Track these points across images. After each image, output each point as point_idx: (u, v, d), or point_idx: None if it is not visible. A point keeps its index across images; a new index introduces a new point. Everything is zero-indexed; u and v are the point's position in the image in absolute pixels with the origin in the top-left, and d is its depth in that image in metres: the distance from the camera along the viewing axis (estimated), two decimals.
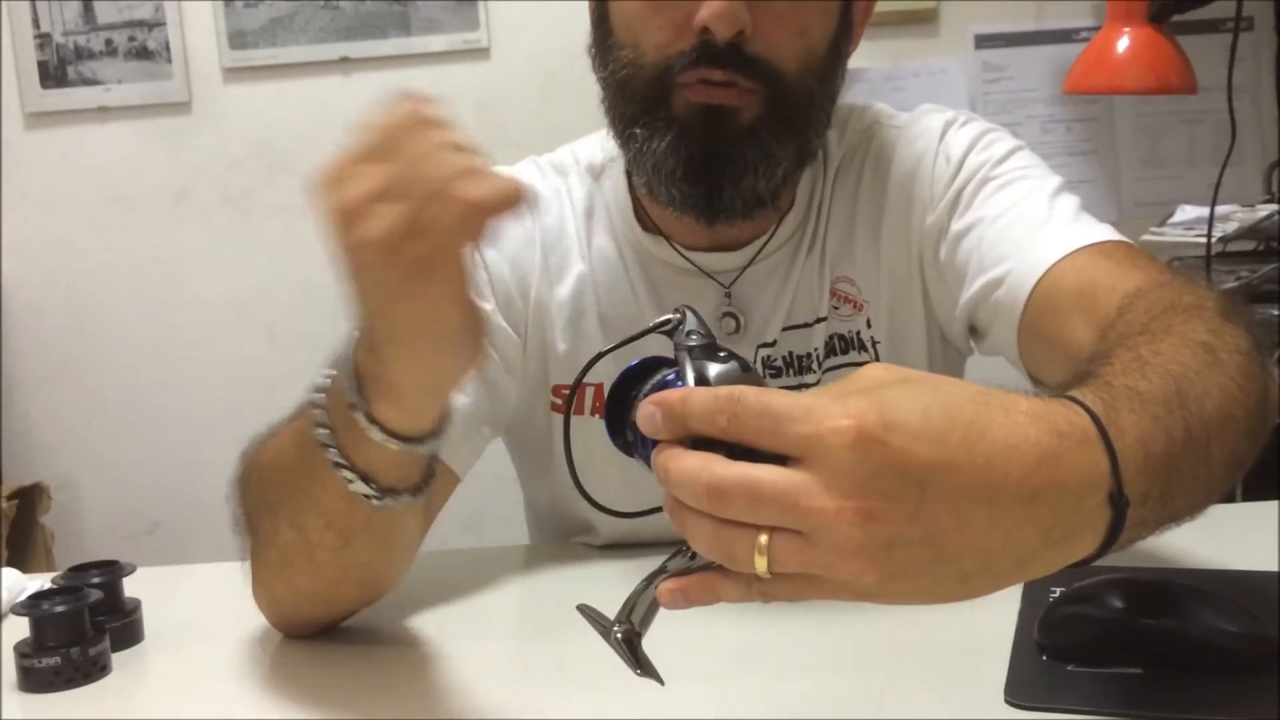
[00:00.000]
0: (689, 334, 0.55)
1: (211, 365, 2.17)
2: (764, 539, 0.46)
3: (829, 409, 0.46)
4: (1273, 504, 0.93)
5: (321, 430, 0.66)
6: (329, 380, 0.67)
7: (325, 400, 0.67)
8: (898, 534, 0.45)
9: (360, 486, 0.66)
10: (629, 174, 0.94)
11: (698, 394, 0.49)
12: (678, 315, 0.56)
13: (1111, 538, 0.50)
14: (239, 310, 2.16)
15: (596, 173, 0.97)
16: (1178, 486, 0.54)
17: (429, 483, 0.71)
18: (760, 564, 0.46)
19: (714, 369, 0.52)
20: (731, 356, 0.53)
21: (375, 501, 0.67)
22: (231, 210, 2.14)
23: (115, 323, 2.17)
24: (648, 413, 0.49)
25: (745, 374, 0.52)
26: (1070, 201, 0.87)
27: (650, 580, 0.53)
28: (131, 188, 2.14)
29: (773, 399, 0.47)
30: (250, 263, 2.15)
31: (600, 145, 0.98)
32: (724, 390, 0.48)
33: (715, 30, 0.81)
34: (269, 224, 2.14)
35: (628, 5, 0.86)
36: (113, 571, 0.79)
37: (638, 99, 0.86)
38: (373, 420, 0.64)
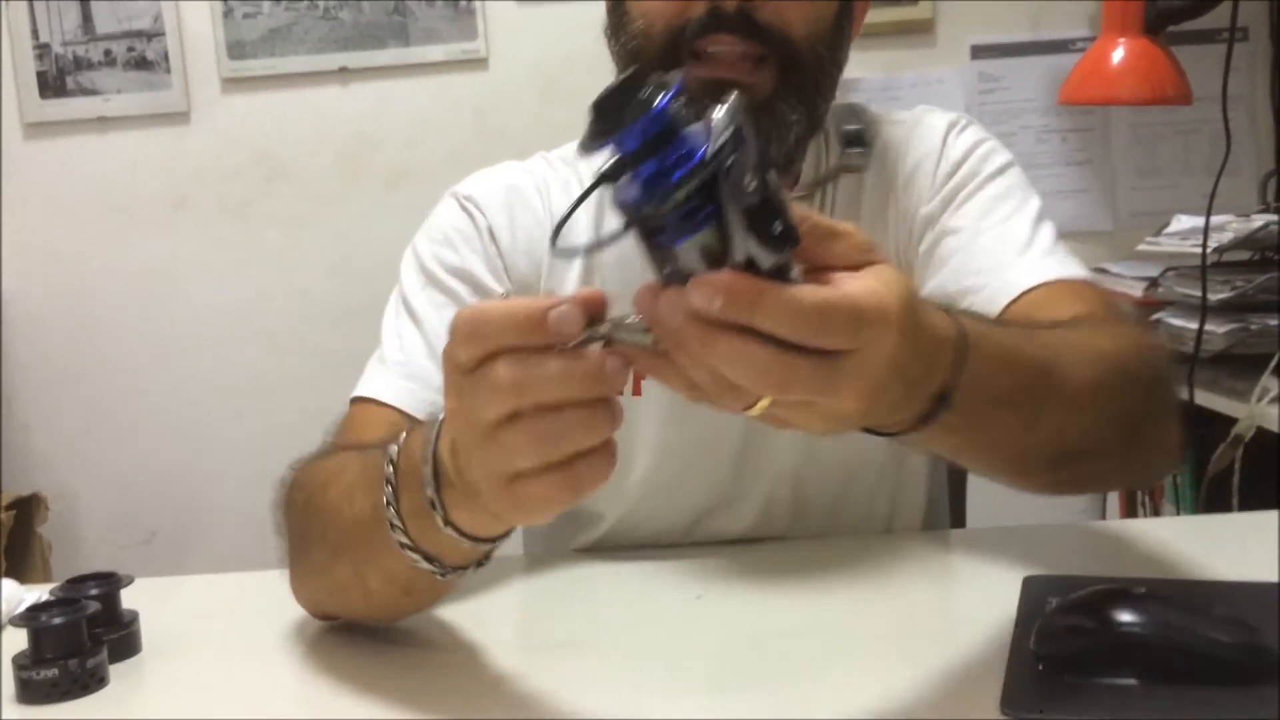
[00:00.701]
0: (738, 169, 0.47)
1: (210, 374, 2.17)
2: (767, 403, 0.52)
3: (883, 321, 0.51)
4: (1265, 514, 0.93)
5: (390, 510, 0.65)
6: (397, 454, 0.65)
7: (395, 478, 0.65)
8: (869, 409, 0.54)
9: (426, 565, 0.66)
10: None
11: (780, 304, 0.48)
12: (728, 121, 0.47)
13: (917, 426, 0.60)
14: (237, 319, 2.16)
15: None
16: (1000, 428, 0.65)
17: (493, 554, 0.69)
18: (758, 410, 0.52)
19: (769, 261, 0.48)
20: (786, 236, 0.48)
21: (440, 577, 0.67)
22: (230, 219, 2.15)
23: (113, 332, 2.17)
24: (709, 293, 0.47)
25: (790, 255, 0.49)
26: (1049, 230, 0.93)
27: (593, 338, 0.52)
28: (130, 197, 2.14)
29: (848, 314, 0.50)
30: (249, 272, 2.15)
31: None
32: (810, 307, 0.48)
33: None
34: (268, 233, 2.15)
35: None
36: (110, 583, 0.79)
37: (648, 68, 0.87)
38: (449, 522, 0.62)
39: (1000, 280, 0.88)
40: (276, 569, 0.95)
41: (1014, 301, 0.87)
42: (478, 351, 0.53)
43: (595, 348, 0.52)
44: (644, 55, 0.89)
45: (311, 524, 0.77)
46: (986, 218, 0.92)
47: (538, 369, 0.52)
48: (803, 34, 0.87)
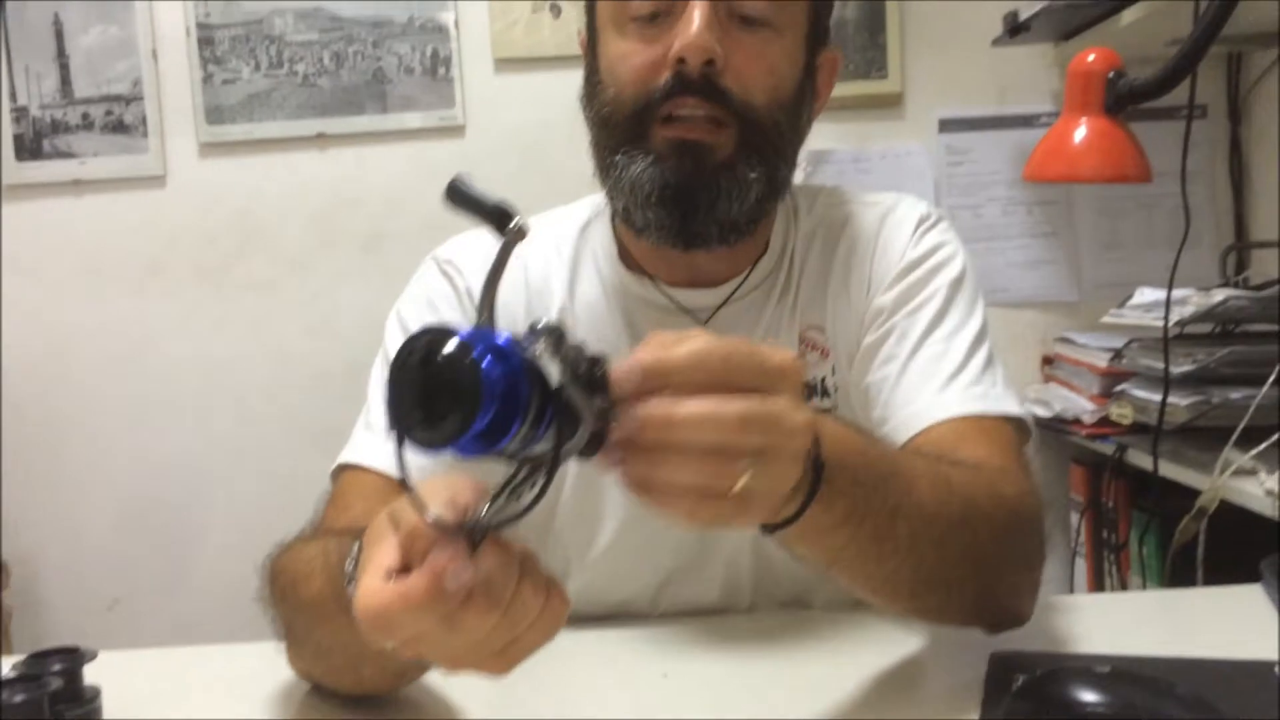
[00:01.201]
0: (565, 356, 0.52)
1: (179, 440, 2.16)
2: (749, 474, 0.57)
3: (787, 371, 0.60)
4: (1229, 589, 0.94)
5: None
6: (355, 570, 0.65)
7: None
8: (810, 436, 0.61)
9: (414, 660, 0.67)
10: (613, 219, 1.01)
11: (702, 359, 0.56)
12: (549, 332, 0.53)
13: (804, 505, 0.64)
14: (209, 384, 2.14)
15: (585, 226, 1.04)
16: (868, 527, 0.68)
17: None
18: (740, 485, 0.57)
19: (607, 401, 0.55)
20: (605, 376, 0.55)
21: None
22: (204, 283, 2.15)
23: (81, 396, 2.15)
24: (630, 368, 0.55)
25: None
26: (982, 356, 0.95)
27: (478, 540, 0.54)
28: (104, 260, 2.14)
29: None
30: (220, 336, 2.15)
31: (590, 205, 1.05)
32: (720, 354, 0.57)
33: (688, 59, 0.88)
34: (241, 297, 2.14)
35: (614, 51, 0.93)
36: (74, 659, 0.78)
37: (619, 131, 0.93)
38: None
39: (916, 408, 0.92)
40: (241, 641, 0.95)
41: (925, 431, 0.90)
42: (396, 640, 0.56)
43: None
44: (615, 119, 0.93)
45: (297, 618, 0.78)
46: (926, 336, 0.95)
47: (450, 643, 0.55)
48: (763, 101, 0.91)
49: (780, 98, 0.93)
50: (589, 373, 0.54)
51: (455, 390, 0.49)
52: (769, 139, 0.93)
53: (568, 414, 0.53)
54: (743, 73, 0.90)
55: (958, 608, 0.79)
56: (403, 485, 0.53)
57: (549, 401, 0.51)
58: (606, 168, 0.95)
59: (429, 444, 0.50)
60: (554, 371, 0.51)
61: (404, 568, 0.55)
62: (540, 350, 0.51)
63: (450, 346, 0.50)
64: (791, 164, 0.98)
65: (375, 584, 0.55)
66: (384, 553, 0.56)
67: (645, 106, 0.91)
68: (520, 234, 0.57)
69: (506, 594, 0.54)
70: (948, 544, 0.74)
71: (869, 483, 0.68)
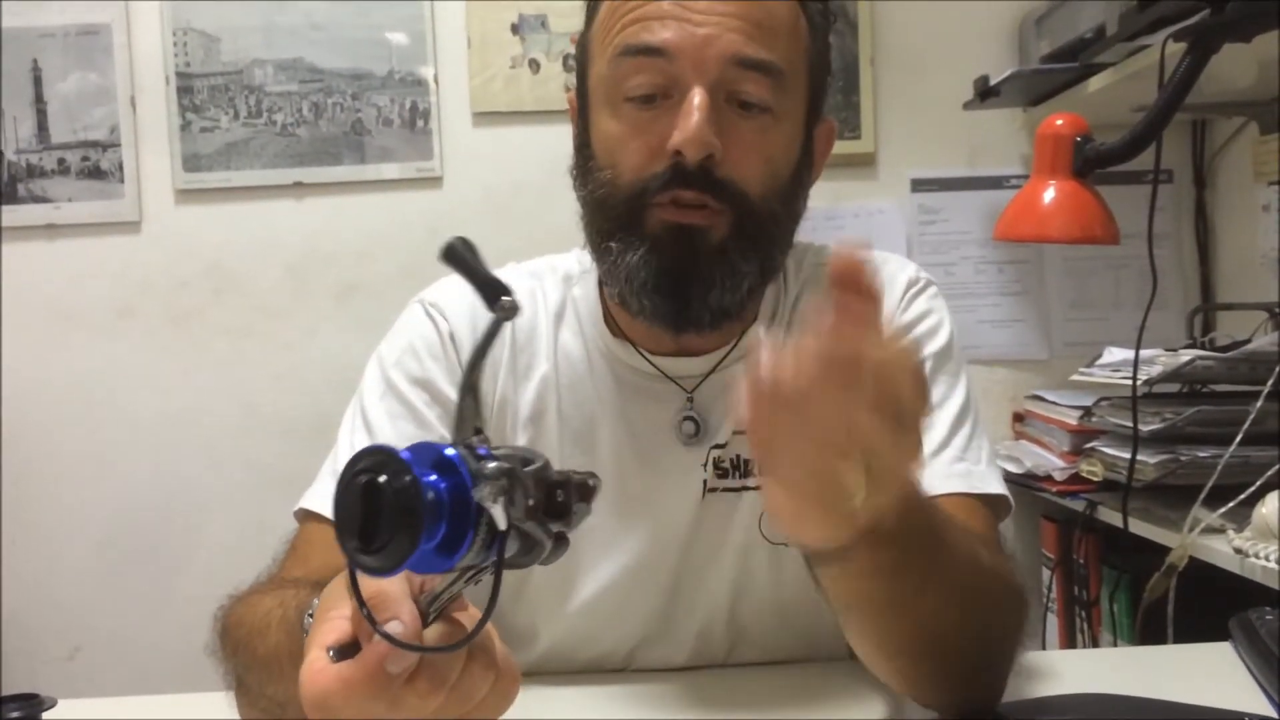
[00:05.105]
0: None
1: (144, 486, 2.13)
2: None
3: None
4: (1200, 646, 0.94)
5: None
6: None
7: None
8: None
9: None
10: (601, 283, 0.99)
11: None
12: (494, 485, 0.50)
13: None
14: (177, 430, 2.12)
15: (571, 281, 1.03)
16: (901, 576, 0.68)
17: None
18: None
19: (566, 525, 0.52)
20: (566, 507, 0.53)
21: None
22: (176, 329, 2.13)
23: (45, 440, 2.11)
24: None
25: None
26: (966, 430, 0.94)
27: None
28: (75, 304, 2.12)
29: None
30: (192, 382, 2.13)
31: (576, 259, 1.04)
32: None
33: (686, 154, 0.86)
34: (214, 344, 2.13)
35: (608, 131, 0.91)
36: (32, 705, 0.77)
37: (614, 216, 0.91)
38: None
39: None
40: (205, 690, 0.93)
41: None
42: None
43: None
44: (609, 203, 0.91)
45: (251, 672, 0.76)
46: None
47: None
48: (759, 191, 0.89)
49: (777, 186, 0.91)
50: (546, 504, 0.51)
51: (398, 515, 0.47)
52: (764, 229, 0.91)
53: (525, 538, 0.51)
54: (741, 163, 0.88)
55: (948, 679, 0.77)
56: (356, 598, 0.52)
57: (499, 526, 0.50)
58: (602, 251, 0.93)
59: (378, 570, 0.48)
60: (499, 517, 0.49)
61: (353, 642, 0.54)
62: (485, 495, 0.49)
63: (391, 471, 0.48)
64: (786, 247, 0.97)
65: (319, 664, 0.54)
66: (331, 628, 0.55)
67: (641, 193, 0.89)
68: (512, 311, 0.57)
69: (452, 675, 0.53)
70: (963, 616, 0.73)
71: (920, 534, 0.67)
